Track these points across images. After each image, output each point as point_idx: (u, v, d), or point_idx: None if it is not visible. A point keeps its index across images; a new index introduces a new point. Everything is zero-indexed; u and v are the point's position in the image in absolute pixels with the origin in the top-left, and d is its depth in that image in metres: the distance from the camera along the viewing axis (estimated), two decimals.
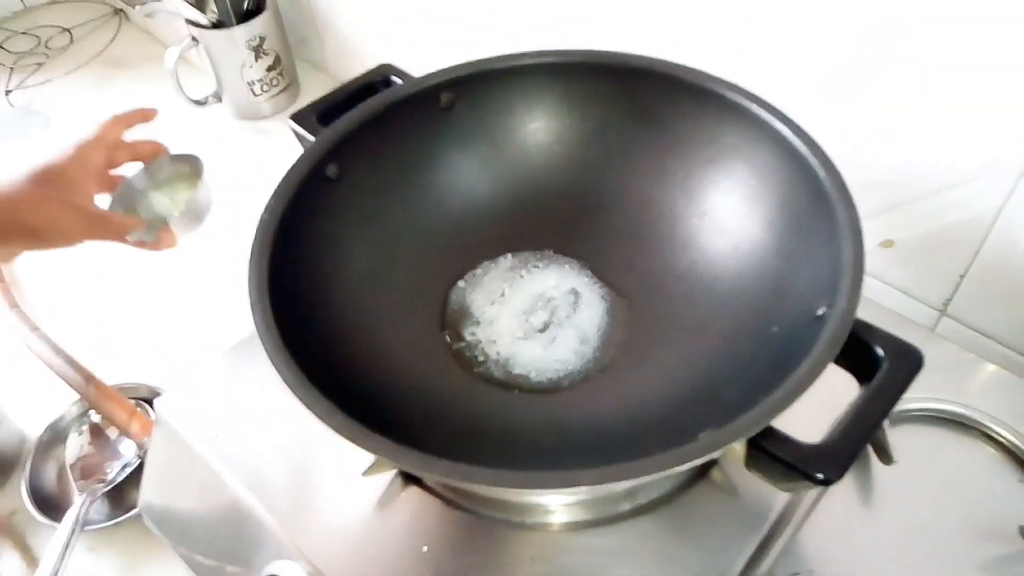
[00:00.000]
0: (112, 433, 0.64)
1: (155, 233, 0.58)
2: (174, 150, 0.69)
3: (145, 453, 0.57)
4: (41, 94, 1.03)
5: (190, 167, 0.66)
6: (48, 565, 0.53)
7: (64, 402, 0.66)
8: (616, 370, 0.48)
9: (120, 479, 0.61)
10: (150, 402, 0.64)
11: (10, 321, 0.72)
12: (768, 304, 0.44)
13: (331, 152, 0.48)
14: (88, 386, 0.64)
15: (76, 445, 0.63)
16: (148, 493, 0.53)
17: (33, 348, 0.69)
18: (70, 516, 0.57)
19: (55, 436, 0.65)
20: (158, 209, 0.60)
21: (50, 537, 0.58)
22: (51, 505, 0.61)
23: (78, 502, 0.58)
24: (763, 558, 0.42)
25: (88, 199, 0.53)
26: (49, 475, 0.64)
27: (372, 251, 0.50)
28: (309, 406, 0.35)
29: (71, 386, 0.65)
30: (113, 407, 0.62)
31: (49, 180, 0.51)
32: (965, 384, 0.49)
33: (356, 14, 0.88)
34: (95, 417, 0.65)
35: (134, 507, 0.58)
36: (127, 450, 0.63)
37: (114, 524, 0.59)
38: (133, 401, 0.64)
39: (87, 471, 0.61)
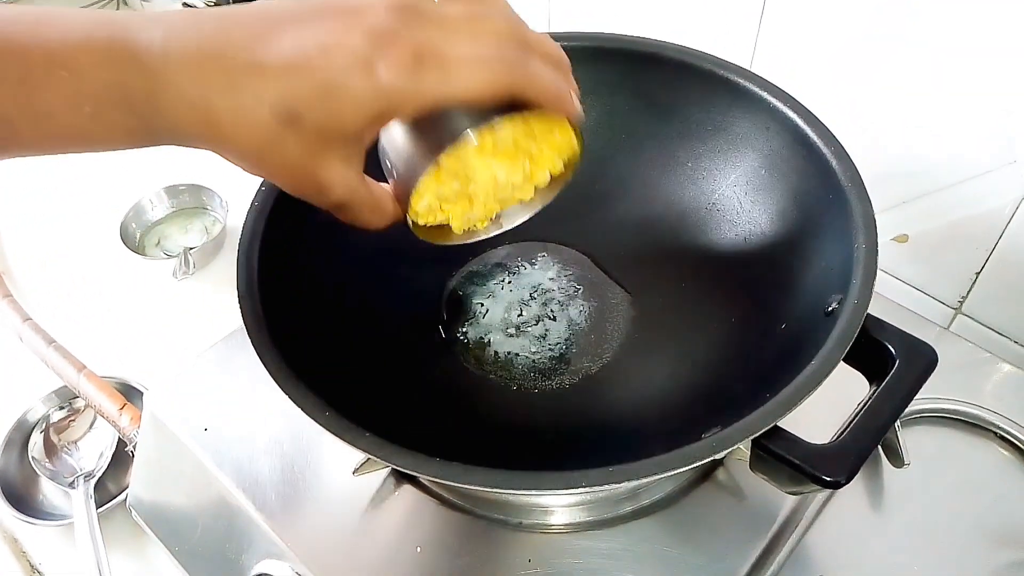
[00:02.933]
0: (79, 429, 0.64)
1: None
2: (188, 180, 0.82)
3: (134, 446, 0.56)
4: None
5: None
6: (90, 562, 0.53)
7: (30, 399, 0.65)
8: (617, 367, 0.47)
9: (104, 468, 0.60)
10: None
11: (2, 310, 0.71)
12: (777, 299, 0.43)
13: None
14: (79, 377, 0.63)
15: (42, 441, 0.62)
16: (137, 488, 0.52)
17: (25, 338, 0.68)
18: (80, 512, 0.55)
19: (20, 433, 0.64)
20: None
21: (29, 534, 0.58)
22: (21, 501, 0.60)
23: (79, 494, 0.57)
24: (768, 563, 0.41)
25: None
26: (13, 471, 0.62)
27: (366, 241, 0.49)
28: (297, 402, 0.34)
29: (62, 377, 0.64)
30: (104, 399, 0.61)
31: None
32: (980, 384, 0.49)
33: None
34: (56, 416, 0.65)
35: (109, 499, 0.58)
36: (97, 443, 0.62)
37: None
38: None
39: (58, 466, 0.61)
